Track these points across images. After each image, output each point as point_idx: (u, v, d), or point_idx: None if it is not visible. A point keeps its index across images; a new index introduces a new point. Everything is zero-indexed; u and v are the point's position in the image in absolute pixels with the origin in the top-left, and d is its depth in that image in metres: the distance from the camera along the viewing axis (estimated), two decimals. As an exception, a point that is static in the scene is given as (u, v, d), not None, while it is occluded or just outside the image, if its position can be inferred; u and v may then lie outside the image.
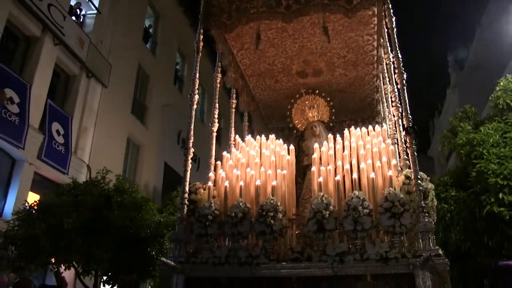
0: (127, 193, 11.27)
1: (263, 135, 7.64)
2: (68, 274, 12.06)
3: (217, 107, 7.33)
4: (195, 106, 6.74)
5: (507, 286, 8.75)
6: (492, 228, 9.48)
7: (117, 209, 10.57)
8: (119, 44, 19.06)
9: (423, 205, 5.20)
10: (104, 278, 11.47)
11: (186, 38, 25.39)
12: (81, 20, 17.52)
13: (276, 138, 7.64)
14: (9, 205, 12.50)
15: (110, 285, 11.59)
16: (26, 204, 10.43)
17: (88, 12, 17.82)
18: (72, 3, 17.02)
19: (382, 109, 8.74)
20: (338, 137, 6.90)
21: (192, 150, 6.31)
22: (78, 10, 17.28)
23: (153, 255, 10.84)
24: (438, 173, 30.22)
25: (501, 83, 11.25)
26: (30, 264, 9.84)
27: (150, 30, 23.48)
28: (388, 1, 6.55)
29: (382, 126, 7.61)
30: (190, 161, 6.24)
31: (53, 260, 10.26)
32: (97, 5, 17.90)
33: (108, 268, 10.69)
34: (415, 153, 5.53)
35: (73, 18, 16.41)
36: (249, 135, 8.18)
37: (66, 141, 14.73)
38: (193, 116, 6.64)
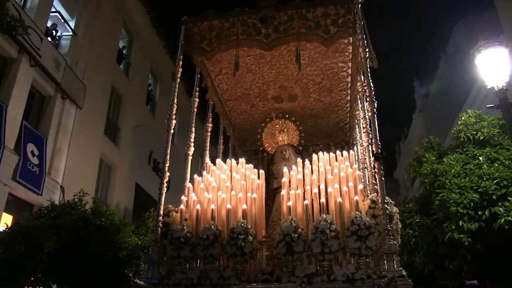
0: (105, 216, 11.41)
1: (233, 159, 7.78)
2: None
3: (194, 131, 7.47)
4: (172, 131, 6.87)
5: None
6: (453, 253, 9.95)
7: (96, 232, 10.63)
8: (94, 65, 19.16)
9: (389, 228, 5.39)
10: None
11: (159, 59, 25.70)
12: (56, 42, 17.59)
13: (251, 161, 7.87)
14: None
15: None
16: (5, 227, 10.44)
17: (64, 33, 17.91)
18: (49, 24, 17.07)
19: (354, 134, 8.97)
20: (307, 161, 7.06)
21: (167, 174, 6.44)
22: (54, 31, 17.33)
23: (129, 276, 10.89)
24: (403, 195, 30.75)
25: (462, 118, 11.81)
26: (9, 286, 9.78)
27: (124, 51, 23.52)
28: (364, 31, 6.76)
29: (353, 150, 7.84)
30: (165, 184, 6.38)
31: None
32: (72, 27, 17.98)
33: None
34: (383, 178, 5.75)
35: (49, 39, 16.41)
36: (219, 159, 8.29)
37: (40, 162, 14.68)
38: (170, 141, 6.76)
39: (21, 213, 13.72)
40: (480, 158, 10.43)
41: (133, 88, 23.32)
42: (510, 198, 9.25)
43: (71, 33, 17.90)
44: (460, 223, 9.42)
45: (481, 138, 11.09)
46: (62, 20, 17.58)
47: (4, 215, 13.25)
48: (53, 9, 16.99)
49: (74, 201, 11.54)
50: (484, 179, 9.65)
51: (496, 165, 10.03)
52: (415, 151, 13.13)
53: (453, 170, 10.36)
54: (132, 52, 24.14)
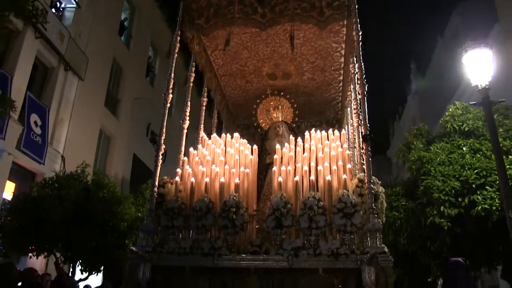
0: (106, 188, 12.12)
1: (228, 134, 7.96)
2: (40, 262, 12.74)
3: (189, 105, 7.67)
4: (168, 105, 7.03)
5: (456, 279, 9.49)
6: (434, 235, 11.02)
7: (99, 204, 11.31)
8: (96, 37, 19.26)
9: (373, 207, 5.65)
10: (80, 266, 12.11)
11: (160, 32, 25.78)
12: (60, 14, 17.56)
13: (243, 135, 8.05)
14: None
15: (87, 273, 12.19)
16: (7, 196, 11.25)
17: (68, 5, 17.90)
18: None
19: (346, 113, 9.18)
20: (299, 139, 7.29)
21: (163, 146, 6.64)
22: (58, 3, 17.32)
23: (129, 246, 11.28)
24: (394, 173, 31.24)
25: (450, 110, 12.65)
26: (15, 251, 10.66)
27: (125, 23, 23.61)
28: (357, 15, 6.89)
29: (345, 130, 8.06)
30: (160, 157, 6.59)
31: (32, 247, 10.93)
32: None
33: (88, 257, 11.40)
34: (370, 159, 5.98)
35: (53, 10, 16.45)
36: (215, 133, 8.48)
37: (43, 132, 14.93)
38: (166, 115, 6.91)
39: (23, 181, 14.21)
40: (464, 148, 11.28)
41: (133, 61, 23.51)
42: (488, 187, 10.08)
43: (74, 5, 17.92)
44: (442, 208, 10.34)
45: (466, 129, 11.85)
46: None
47: (8, 183, 13.57)
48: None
49: (77, 172, 12.11)
50: (466, 168, 10.57)
51: (478, 155, 10.89)
52: (405, 137, 14.04)
53: (438, 159, 11.24)
54: (133, 24, 24.32)
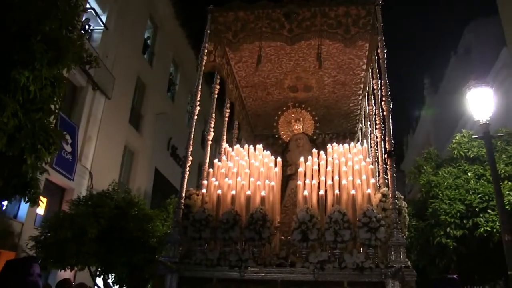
0: (137, 206, 12.86)
1: (251, 146, 8.05)
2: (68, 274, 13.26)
3: (214, 116, 7.76)
4: (195, 117, 7.11)
5: None
6: (442, 253, 12.13)
7: (132, 221, 12.07)
8: (122, 57, 19.79)
9: (397, 221, 5.75)
10: (112, 279, 13.01)
11: (181, 49, 26.56)
12: (88, 36, 17.84)
13: (262, 145, 8.16)
14: (23, 208, 13.39)
15: (119, 285, 13.07)
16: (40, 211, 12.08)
17: (96, 27, 18.29)
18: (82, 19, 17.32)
19: (364, 127, 9.27)
20: (322, 153, 7.34)
21: (190, 158, 6.72)
22: (86, 26, 17.63)
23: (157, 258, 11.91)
24: (408, 185, 31.54)
25: (457, 138, 13.82)
26: (55, 265, 11.15)
27: (148, 42, 24.31)
28: (382, 33, 6.98)
29: (362, 144, 8.15)
30: (188, 168, 6.70)
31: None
32: (104, 20, 18.44)
33: (122, 271, 12.22)
34: (394, 174, 6.09)
35: (82, 32, 16.74)
36: (237, 145, 8.55)
37: (73, 150, 15.35)
38: (193, 126, 7.00)
39: (54, 196, 14.93)
40: (469, 174, 12.44)
41: (156, 77, 24.19)
42: (490, 211, 11.15)
43: (102, 27, 18.34)
44: (448, 229, 11.48)
45: (471, 156, 13.08)
46: (95, 14, 17.80)
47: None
48: (88, 5, 17.19)
49: (108, 190, 12.95)
50: (471, 193, 11.68)
51: (482, 181, 12.01)
52: (416, 161, 15.49)
53: (445, 183, 12.44)
54: (156, 42, 24.91)
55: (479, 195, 11.48)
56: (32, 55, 5.76)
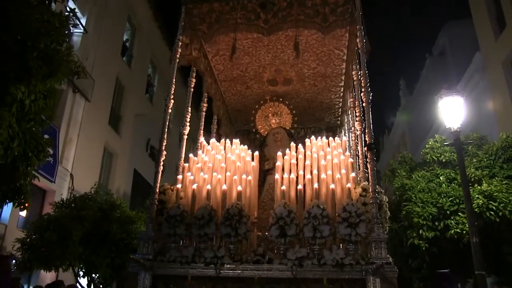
0: (119, 208, 13.24)
1: (227, 140, 7.87)
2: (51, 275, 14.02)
3: (189, 111, 7.58)
4: (169, 110, 6.93)
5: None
6: (414, 254, 12.62)
7: (116, 223, 12.55)
8: (101, 59, 19.87)
9: (378, 216, 5.59)
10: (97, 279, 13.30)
11: (159, 50, 26.66)
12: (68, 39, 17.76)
13: (242, 141, 7.95)
14: (6, 210, 13.43)
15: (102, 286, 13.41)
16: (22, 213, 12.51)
17: (76, 31, 18.27)
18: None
19: (346, 120, 9.12)
20: (300, 146, 7.18)
21: (164, 152, 6.52)
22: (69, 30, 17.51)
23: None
24: (383, 187, 32.12)
25: (430, 143, 14.44)
26: (42, 267, 11.45)
27: (127, 44, 24.48)
28: (361, 22, 6.80)
29: (344, 136, 7.99)
30: (162, 163, 6.48)
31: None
32: (83, 23, 18.45)
33: (105, 272, 12.46)
34: (375, 168, 5.92)
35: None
36: (213, 139, 8.36)
37: (54, 152, 15.19)
38: (167, 121, 6.82)
39: (35, 198, 14.79)
40: (441, 178, 13.03)
41: (134, 79, 24.44)
42: (460, 214, 11.59)
43: (82, 31, 18.36)
44: (420, 231, 11.97)
45: (443, 160, 13.72)
46: (74, 19, 17.69)
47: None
48: (67, 9, 17.25)
49: (91, 193, 13.29)
50: (442, 196, 12.18)
51: (453, 184, 12.57)
52: (390, 164, 16.17)
53: (418, 186, 12.98)
54: (134, 44, 25.18)
55: (450, 198, 12.03)
56: (29, 71, 6.08)
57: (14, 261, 11.72)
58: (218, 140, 8.02)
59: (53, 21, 6.70)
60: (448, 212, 11.81)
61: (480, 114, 18.84)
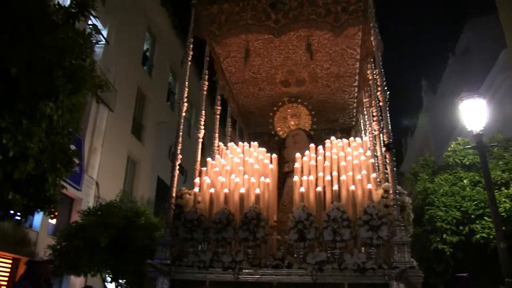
0: (144, 215, 13.76)
1: (245, 142, 7.77)
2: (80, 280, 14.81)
3: (203, 114, 7.47)
4: (183, 114, 6.83)
5: None
6: (439, 259, 12.31)
7: (140, 231, 12.95)
8: (123, 69, 20.34)
9: (400, 218, 5.42)
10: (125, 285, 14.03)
11: (179, 58, 26.10)
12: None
13: (257, 142, 7.85)
14: (37, 218, 14.25)
15: None
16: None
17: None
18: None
19: (362, 121, 8.99)
20: (320, 147, 7.07)
21: (180, 156, 6.40)
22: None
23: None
24: (408, 189, 31.79)
25: (452, 146, 14.10)
26: (72, 272, 12.32)
27: (147, 53, 24.93)
28: (374, 19, 6.64)
29: (361, 138, 7.85)
30: (177, 166, 6.35)
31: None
32: (105, 35, 18.65)
33: (132, 278, 13.03)
34: (394, 168, 5.77)
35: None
36: (232, 142, 8.27)
37: (80, 161, 15.62)
38: (181, 124, 6.72)
39: (63, 206, 15.41)
40: (465, 181, 12.67)
41: (155, 87, 24.99)
42: (486, 218, 11.27)
43: (104, 42, 18.59)
44: (444, 236, 11.76)
45: (467, 163, 13.33)
46: (97, 35, 17.87)
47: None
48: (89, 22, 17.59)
49: (116, 201, 14.01)
50: (466, 200, 11.93)
51: (478, 188, 12.19)
52: (412, 167, 15.75)
53: (441, 190, 12.70)
54: (154, 53, 25.68)
55: (474, 202, 11.75)
56: (56, 88, 6.45)
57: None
58: (235, 143, 7.94)
59: (77, 39, 7.07)
60: (473, 216, 11.60)
61: (506, 114, 18.11)
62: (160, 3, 24.79)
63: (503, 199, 11.12)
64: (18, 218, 7.56)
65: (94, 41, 7.93)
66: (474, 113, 9.95)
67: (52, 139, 6.77)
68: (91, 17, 8.10)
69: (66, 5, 7.41)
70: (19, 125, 5.95)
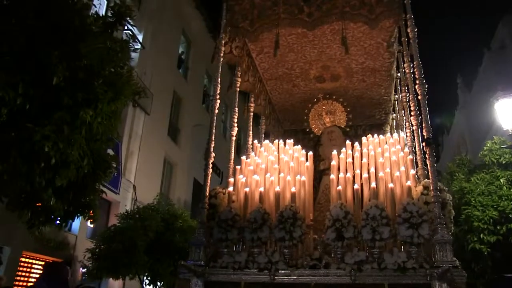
0: (181, 218, 14.11)
1: (281, 140, 7.64)
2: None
3: (237, 111, 7.36)
4: (216, 111, 6.73)
5: None
6: (477, 259, 12.17)
7: (178, 233, 13.41)
8: (159, 73, 20.69)
9: (441, 216, 5.23)
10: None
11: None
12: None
13: (292, 140, 7.70)
14: (76, 221, 14.21)
15: None
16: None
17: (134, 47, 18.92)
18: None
19: (398, 116, 8.78)
20: (356, 144, 6.91)
21: (213, 154, 6.30)
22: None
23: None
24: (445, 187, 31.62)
25: (488, 145, 13.83)
26: (111, 275, 12.46)
27: (182, 56, 25.28)
28: (411, 10, 6.46)
29: (399, 134, 7.64)
30: (210, 165, 6.24)
31: None
32: (140, 40, 18.93)
33: (170, 280, 13.52)
34: (435, 164, 5.57)
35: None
36: (266, 140, 8.15)
37: (117, 165, 15.82)
38: (214, 121, 6.62)
39: (101, 209, 15.46)
40: (502, 180, 12.52)
41: (191, 90, 25.38)
42: None
43: (140, 47, 18.87)
44: (481, 236, 11.69)
45: (503, 162, 13.11)
46: (132, 36, 18.20)
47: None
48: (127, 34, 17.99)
49: (153, 203, 14.32)
50: (503, 199, 11.86)
51: None
52: (448, 167, 15.66)
53: (478, 189, 12.57)
54: (190, 56, 26.11)
55: None
56: (96, 97, 6.63)
57: (84, 269, 13.11)
58: (271, 141, 7.82)
59: (115, 47, 7.29)
60: (510, 216, 11.54)
61: None
62: (195, 7, 24.96)
63: None
64: (58, 223, 7.65)
65: (132, 48, 8.16)
66: (509, 113, 10.04)
67: (91, 146, 6.90)
68: (128, 25, 8.17)
69: (103, 13, 7.63)
70: (60, 133, 6.06)
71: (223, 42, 7.24)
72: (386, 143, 6.94)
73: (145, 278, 13.63)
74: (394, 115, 9.34)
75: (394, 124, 9.47)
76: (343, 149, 6.76)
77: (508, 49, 25.36)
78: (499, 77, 21.72)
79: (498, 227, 11.54)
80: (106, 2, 16.73)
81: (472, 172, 14.02)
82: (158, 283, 13.70)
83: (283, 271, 5.34)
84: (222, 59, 7.23)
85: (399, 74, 8.45)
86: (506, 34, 25.86)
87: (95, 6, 10.85)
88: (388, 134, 7.26)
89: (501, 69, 23.93)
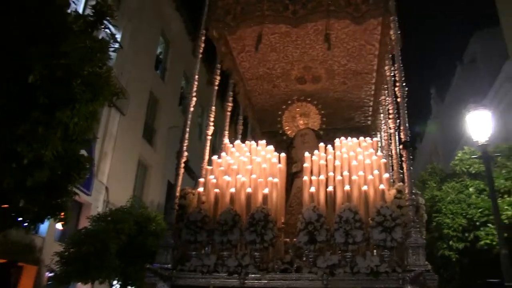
0: (154, 221, 13.92)
1: (253, 141, 7.51)
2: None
3: (213, 110, 7.22)
4: (192, 108, 6.65)
5: None
6: (446, 265, 12.85)
7: (151, 237, 13.18)
8: (136, 73, 20.38)
9: (415, 220, 5.14)
10: None
11: (192, 62, 26.90)
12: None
13: (270, 143, 7.54)
14: (44, 223, 13.72)
15: None
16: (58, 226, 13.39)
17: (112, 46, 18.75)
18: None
19: (378, 119, 8.69)
20: (329, 147, 6.79)
21: (185, 154, 6.17)
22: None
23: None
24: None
25: (459, 155, 14.67)
26: (81, 279, 12.22)
27: (161, 57, 25.12)
28: (395, 11, 6.42)
29: (376, 136, 7.55)
30: (182, 164, 6.11)
31: None
32: (119, 39, 18.52)
33: (142, 284, 12.84)
34: (411, 167, 5.48)
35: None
36: (238, 140, 7.99)
37: (90, 166, 15.47)
38: (188, 120, 6.53)
39: (71, 211, 15.39)
40: (470, 189, 13.30)
41: (168, 91, 25.20)
42: (490, 225, 11.86)
43: (117, 46, 18.32)
44: (450, 242, 12.35)
45: (473, 171, 13.91)
46: (110, 36, 18.06)
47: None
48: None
49: (126, 206, 14.17)
50: (472, 207, 12.55)
51: (483, 196, 12.82)
52: (421, 175, 16.25)
53: (448, 198, 13.27)
54: (168, 57, 25.86)
55: (479, 210, 12.32)
56: (74, 97, 6.57)
57: (51, 273, 12.78)
58: (244, 142, 7.66)
59: (95, 47, 7.25)
60: (477, 223, 12.14)
61: (510, 124, 18.40)
62: (175, 8, 24.90)
63: (506, 207, 11.62)
64: (26, 225, 7.52)
65: (111, 49, 8.16)
66: (479, 125, 10.52)
67: (66, 146, 6.81)
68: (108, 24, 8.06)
69: (81, 12, 7.57)
70: (35, 133, 6.01)
71: (203, 38, 7.12)
72: (359, 146, 6.83)
73: (115, 282, 13.45)
74: (375, 116, 9.24)
75: (374, 127, 9.40)
76: (316, 151, 6.63)
77: (478, 63, 26.32)
78: (471, 90, 22.53)
79: (466, 234, 12.15)
80: (84, 0, 16.52)
81: (443, 180, 14.76)
82: (129, 287, 13.54)
83: (253, 275, 5.20)
84: (200, 56, 7.20)
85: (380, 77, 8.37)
86: (477, 48, 26.79)
87: (75, 4, 10.70)
88: (361, 138, 7.12)
89: (473, 82, 24.93)
